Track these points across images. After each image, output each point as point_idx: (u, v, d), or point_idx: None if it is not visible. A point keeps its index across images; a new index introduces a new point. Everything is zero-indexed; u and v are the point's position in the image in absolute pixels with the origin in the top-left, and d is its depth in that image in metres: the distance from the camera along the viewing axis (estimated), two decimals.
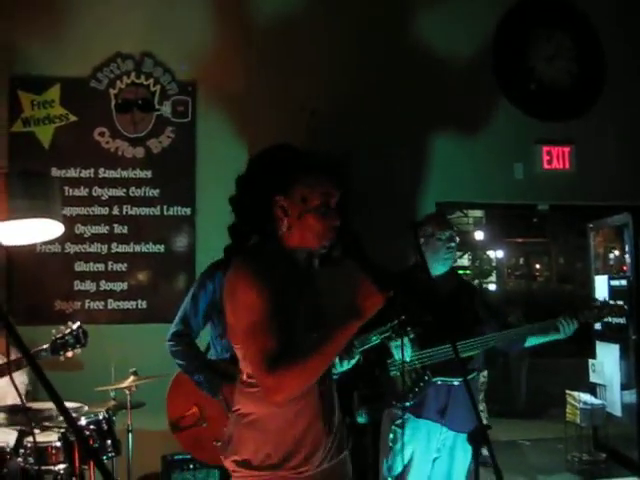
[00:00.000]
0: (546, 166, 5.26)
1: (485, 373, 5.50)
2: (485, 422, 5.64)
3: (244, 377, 1.96)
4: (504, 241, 22.72)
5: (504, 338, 3.16)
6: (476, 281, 22.57)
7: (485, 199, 5.51)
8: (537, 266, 25.33)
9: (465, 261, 24.27)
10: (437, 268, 3.28)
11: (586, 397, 6.34)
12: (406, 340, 2.98)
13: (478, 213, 21.74)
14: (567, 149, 5.29)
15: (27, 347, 1.48)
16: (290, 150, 1.96)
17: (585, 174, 5.32)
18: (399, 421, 3.08)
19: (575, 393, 6.37)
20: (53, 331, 3.30)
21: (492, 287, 22.71)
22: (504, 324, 3.33)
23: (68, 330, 3.30)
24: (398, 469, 3.08)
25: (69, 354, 3.31)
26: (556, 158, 5.27)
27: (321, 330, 1.85)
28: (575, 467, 6.27)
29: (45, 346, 3.24)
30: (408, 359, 3.06)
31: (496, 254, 23.47)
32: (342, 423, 2.06)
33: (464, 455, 3.15)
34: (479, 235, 22.07)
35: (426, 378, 3.09)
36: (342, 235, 1.89)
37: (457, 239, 3.32)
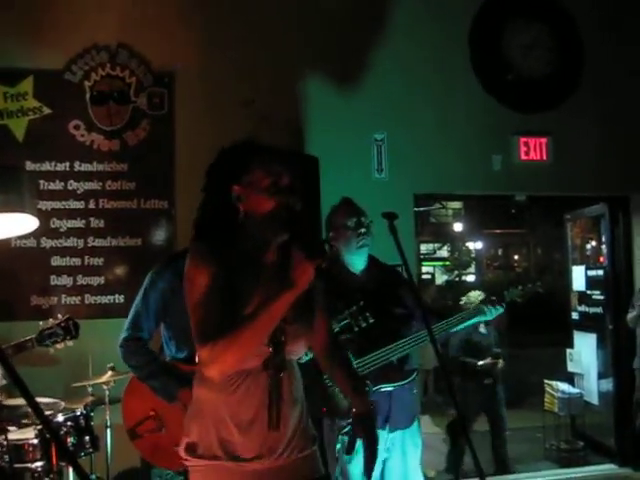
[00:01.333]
0: (523, 157, 5.29)
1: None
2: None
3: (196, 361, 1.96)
4: (483, 232, 22.87)
5: (439, 330, 3.04)
6: (455, 272, 22.74)
7: (463, 190, 5.54)
8: (515, 257, 25.55)
9: (444, 252, 24.43)
10: (354, 260, 3.12)
11: (564, 386, 6.41)
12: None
13: (457, 205, 21.86)
14: (544, 140, 5.32)
15: None
16: (245, 144, 2.06)
17: (562, 165, 5.35)
18: (346, 429, 2.89)
19: (553, 382, 6.44)
20: (41, 323, 3.27)
21: (471, 278, 22.87)
22: (437, 313, 3.25)
23: (57, 322, 3.27)
24: (354, 474, 2.94)
25: (59, 346, 3.28)
26: (533, 149, 5.29)
27: None
28: (553, 455, 6.35)
29: (32, 336, 3.20)
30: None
31: (475, 245, 23.64)
32: (307, 417, 2.04)
33: (414, 447, 3.11)
34: (458, 227, 22.20)
35: (366, 389, 2.89)
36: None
37: (367, 224, 3.09)
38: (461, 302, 5.64)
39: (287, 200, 1.95)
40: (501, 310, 3.21)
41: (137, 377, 3.06)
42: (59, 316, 3.31)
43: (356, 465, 2.90)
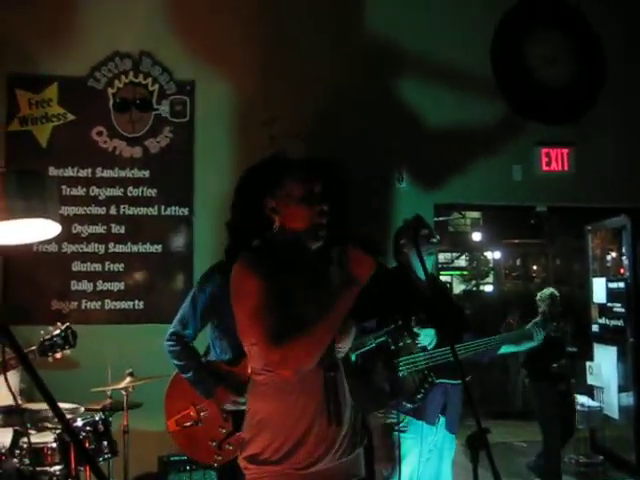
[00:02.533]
0: (545, 168, 5.26)
1: None
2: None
3: (251, 374, 2.04)
4: (501, 242, 22.74)
5: (490, 344, 3.29)
6: (473, 282, 22.62)
7: (484, 200, 5.51)
8: (534, 267, 25.34)
9: (462, 262, 24.32)
10: (420, 269, 3.32)
11: (583, 399, 6.34)
12: (429, 331, 3.10)
13: (475, 214, 21.77)
14: (566, 151, 5.29)
15: (21, 348, 1.47)
16: (274, 159, 2.18)
17: (583, 176, 5.31)
18: (403, 425, 3.10)
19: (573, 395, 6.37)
20: (42, 332, 3.28)
21: (489, 288, 22.74)
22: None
23: (57, 331, 3.27)
24: (403, 473, 3.06)
25: (57, 355, 3.27)
26: (555, 160, 5.26)
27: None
28: (572, 469, 6.26)
29: (33, 348, 3.22)
30: (428, 346, 3.15)
31: (493, 255, 23.50)
32: (355, 419, 2.09)
33: (449, 455, 3.26)
34: (476, 236, 22.10)
35: (430, 380, 3.15)
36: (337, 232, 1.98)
37: (437, 237, 3.43)
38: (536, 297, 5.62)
39: (322, 207, 2.04)
40: (543, 336, 3.42)
41: (179, 371, 3.18)
42: (58, 324, 3.31)
43: (406, 465, 3.09)
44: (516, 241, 23.57)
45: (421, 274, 3.34)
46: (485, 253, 23.60)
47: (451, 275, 23.52)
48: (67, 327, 3.35)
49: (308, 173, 2.09)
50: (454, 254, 24.18)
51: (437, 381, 3.17)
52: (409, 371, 3.14)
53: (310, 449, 1.94)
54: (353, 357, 2.88)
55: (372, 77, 5.05)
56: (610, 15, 5.43)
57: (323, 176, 2.13)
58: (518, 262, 25.51)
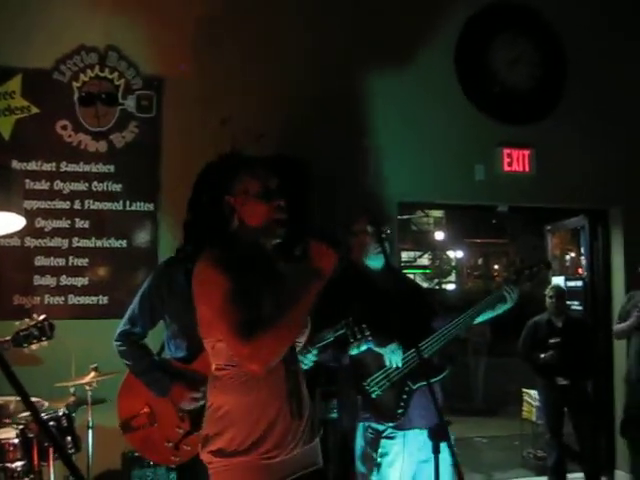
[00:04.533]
0: (506, 168, 5.37)
1: None
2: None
3: (213, 369, 2.05)
4: (464, 241, 23.06)
5: (463, 324, 3.10)
6: (435, 280, 22.91)
7: (446, 200, 5.60)
8: (496, 266, 25.75)
9: (425, 261, 24.59)
10: (373, 266, 3.24)
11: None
12: (393, 346, 2.98)
13: (438, 213, 22.05)
14: (527, 152, 5.41)
15: None
16: (231, 156, 2.20)
17: (544, 177, 5.44)
18: (388, 432, 2.99)
19: (531, 391, 6.51)
20: (17, 323, 3.26)
21: (451, 287, 23.04)
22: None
23: (33, 322, 3.26)
24: (392, 477, 2.98)
25: (33, 346, 3.27)
26: (516, 160, 5.38)
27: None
28: (530, 463, 6.42)
29: (7, 338, 3.19)
30: (399, 364, 2.99)
31: (456, 254, 23.83)
32: (313, 410, 2.13)
33: (445, 447, 3.15)
34: (439, 235, 22.38)
35: (407, 389, 3.01)
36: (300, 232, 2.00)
37: (387, 231, 3.28)
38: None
39: (278, 202, 2.07)
40: (517, 293, 3.16)
41: (131, 371, 3.12)
42: (34, 316, 3.29)
43: (395, 471, 2.99)
44: (478, 240, 23.94)
45: (375, 268, 3.23)
46: (448, 252, 23.93)
47: (414, 273, 23.78)
48: (44, 318, 3.35)
49: (264, 169, 2.12)
50: (417, 252, 24.48)
51: (415, 387, 3.01)
52: (382, 389, 3.00)
53: (275, 440, 1.97)
54: (314, 352, 2.76)
55: (337, 76, 5.08)
56: (573, 18, 5.56)
57: (281, 172, 2.15)
58: (480, 261, 25.91)
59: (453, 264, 24.01)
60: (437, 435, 2.32)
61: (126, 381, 3.20)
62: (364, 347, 2.94)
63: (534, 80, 5.42)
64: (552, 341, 5.35)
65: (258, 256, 2.09)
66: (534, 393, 6.37)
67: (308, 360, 2.72)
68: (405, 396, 3.01)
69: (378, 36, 5.18)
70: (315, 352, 2.76)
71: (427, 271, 23.75)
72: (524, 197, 5.51)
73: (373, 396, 3.00)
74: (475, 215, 17.47)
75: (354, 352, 2.95)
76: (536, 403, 6.34)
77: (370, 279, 3.20)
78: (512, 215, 11.41)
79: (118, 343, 3.12)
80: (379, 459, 2.98)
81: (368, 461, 3.05)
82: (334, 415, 3.92)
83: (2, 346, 3.18)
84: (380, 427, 3.02)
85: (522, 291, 3.23)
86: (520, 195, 5.47)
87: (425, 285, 22.39)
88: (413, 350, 2.99)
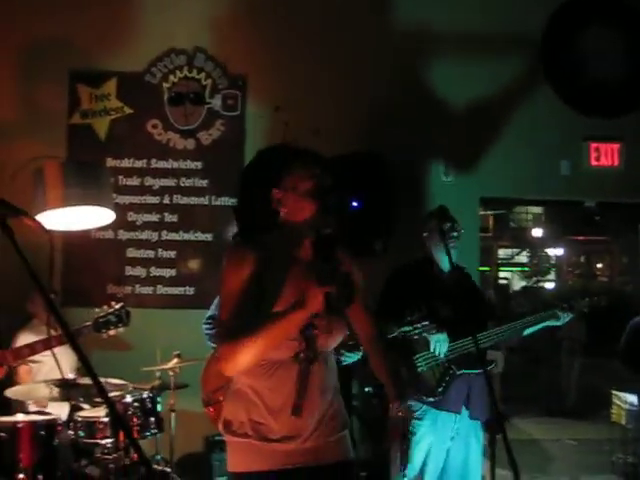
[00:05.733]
0: (594, 163, 5.21)
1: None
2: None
3: None
4: (564, 239, 22.25)
5: (514, 329, 3.28)
6: (534, 278, 22.24)
7: (530, 195, 5.50)
8: (598, 265, 24.71)
9: (523, 258, 23.92)
10: (444, 260, 3.35)
11: (633, 398, 6.22)
12: (442, 336, 3.10)
13: (537, 210, 21.38)
14: (616, 146, 5.22)
15: (68, 326, 1.56)
16: (279, 148, 2.16)
17: (634, 171, 5.23)
18: (419, 413, 3.17)
19: (621, 394, 6.26)
20: (97, 310, 3.46)
21: (550, 285, 22.31)
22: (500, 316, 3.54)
23: (111, 310, 3.46)
24: (416, 459, 3.14)
25: (111, 332, 3.45)
26: (604, 155, 5.20)
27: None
28: (620, 469, 6.17)
29: (88, 323, 3.41)
30: (443, 354, 3.17)
31: (555, 252, 23.04)
32: (339, 404, 2.14)
33: (477, 442, 3.23)
34: (538, 232, 21.70)
35: (451, 372, 3.19)
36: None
37: (460, 229, 3.42)
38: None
39: (330, 200, 2.03)
40: (570, 317, 3.39)
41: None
42: (112, 304, 3.48)
43: (420, 451, 3.16)
44: (580, 238, 23.04)
45: (444, 266, 3.37)
46: (547, 249, 23.18)
47: (511, 271, 23.20)
48: (121, 306, 3.54)
49: (317, 165, 2.07)
50: (515, 250, 23.84)
51: (459, 372, 3.20)
52: (428, 366, 3.20)
53: (277, 428, 2.00)
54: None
55: (416, 72, 5.09)
56: None
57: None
58: (582, 259, 24.94)
59: (552, 262, 23.22)
60: (492, 427, 2.34)
61: (211, 358, 3.37)
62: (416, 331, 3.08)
63: (623, 71, 5.22)
64: None
65: (291, 252, 2.08)
66: (624, 396, 6.13)
67: (355, 356, 2.85)
68: (448, 378, 3.18)
69: (459, 31, 5.14)
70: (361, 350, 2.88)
71: (525, 269, 23.09)
72: (613, 193, 5.33)
73: (418, 370, 3.17)
74: (575, 211, 16.83)
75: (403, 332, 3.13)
76: (627, 406, 6.10)
77: (435, 275, 3.35)
78: (615, 211, 10.95)
79: (206, 326, 3.34)
80: (409, 436, 3.08)
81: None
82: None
83: (82, 331, 3.39)
84: (413, 406, 3.13)
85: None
86: (608, 191, 5.30)
87: (523, 283, 21.83)
88: (461, 341, 3.17)
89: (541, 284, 21.85)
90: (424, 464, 3.16)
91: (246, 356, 1.93)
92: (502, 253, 23.65)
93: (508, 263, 24.04)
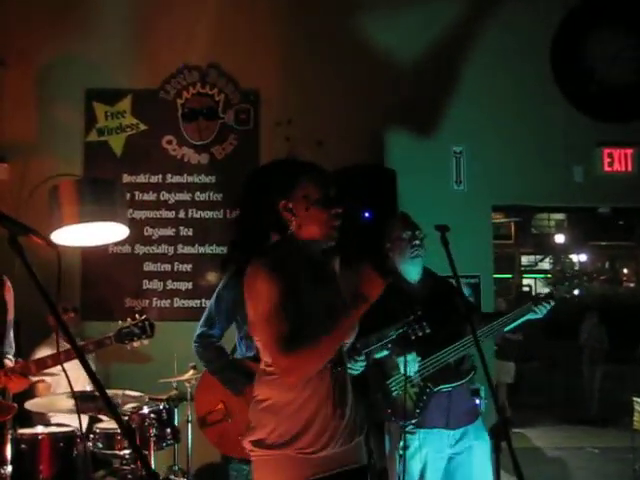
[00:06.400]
0: (607, 168, 5.20)
1: None
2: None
3: (262, 366, 2.16)
4: (587, 244, 22.04)
5: (491, 331, 3.14)
6: (556, 285, 22.01)
7: (543, 202, 5.49)
8: (624, 270, 24.41)
9: (546, 265, 23.71)
10: (409, 271, 3.21)
11: None
12: (410, 357, 3.01)
13: (560, 216, 21.21)
14: (630, 151, 5.21)
15: (74, 340, 1.60)
16: (286, 161, 2.19)
17: None
18: (411, 427, 3.06)
19: None
20: (120, 322, 3.51)
21: (575, 291, 22.08)
22: (483, 315, 3.37)
23: (134, 321, 3.50)
24: (413, 472, 3.04)
25: (135, 344, 3.44)
26: (618, 160, 5.19)
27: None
28: None
29: (110, 334, 3.46)
30: (413, 373, 3.05)
31: (579, 258, 22.82)
32: (356, 411, 2.18)
33: (481, 441, 3.13)
34: (560, 238, 21.53)
35: (428, 390, 3.07)
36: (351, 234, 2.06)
37: (421, 236, 3.16)
38: None
39: (340, 209, 2.11)
40: (550, 306, 3.20)
41: (208, 370, 3.31)
42: (136, 316, 3.53)
43: (416, 463, 3.05)
44: (603, 243, 22.79)
45: (411, 277, 3.21)
46: (570, 255, 22.96)
47: (534, 278, 23.00)
48: (145, 318, 3.56)
49: (324, 176, 2.16)
50: (537, 256, 23.64)
51: (436, 389, 3.07)
52: (403, 389, 3.01)
53: (313, 437, 2.05)
54: (362, 358, 2.82)
55: (427, 80, 5.14)
56: None
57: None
58: (606, 265, 24.66)
59: (576, 268, 22.98)
60: (497, 434, 2.35)
61: (202, 380, 3.40)
62: (385, 353, 2.98)
63: (635, 75, 5.21)
64: None
65: (311, 262, 2.15)
66: None
67: (358, 366, 2.81)
68: (425, 397, 3.06)
69: (471, 35, 5.17)
70: (362, 358, 2.83)
71: (548, 276, 22.88)
72: (627, 198, 5.31)
73: (393, 395, 3.06)
74: (600, 217, 16.68)
75: (377, 357, 3.01)
76: None
77: (402, 288, 3.15)
78: (626, 218, 10.85)
79: (196, 345, 3.30)
80: (402, 452, 3.03)
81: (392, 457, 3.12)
82: None
83: (105, 342, 3.44)
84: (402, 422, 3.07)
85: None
86: (622, 196, 5.28)
87: (546, 290, 21.59)
88: (435, 355, 3.05)
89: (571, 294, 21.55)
90: (421, 477, 3.04)
91: (320, 360, 2.01)
92: (525, 260, 23.47)
93: (531, 270, 23.84)
